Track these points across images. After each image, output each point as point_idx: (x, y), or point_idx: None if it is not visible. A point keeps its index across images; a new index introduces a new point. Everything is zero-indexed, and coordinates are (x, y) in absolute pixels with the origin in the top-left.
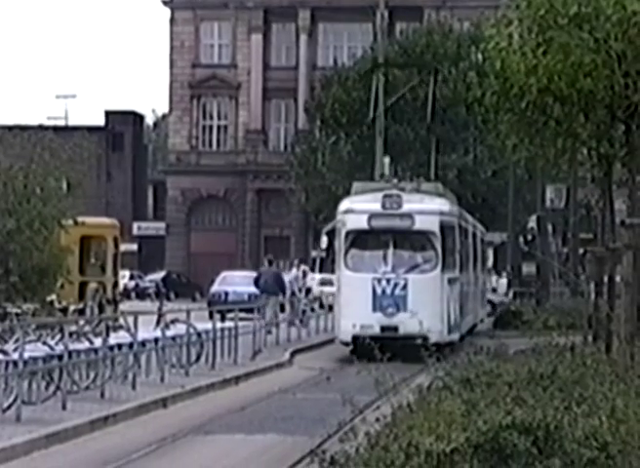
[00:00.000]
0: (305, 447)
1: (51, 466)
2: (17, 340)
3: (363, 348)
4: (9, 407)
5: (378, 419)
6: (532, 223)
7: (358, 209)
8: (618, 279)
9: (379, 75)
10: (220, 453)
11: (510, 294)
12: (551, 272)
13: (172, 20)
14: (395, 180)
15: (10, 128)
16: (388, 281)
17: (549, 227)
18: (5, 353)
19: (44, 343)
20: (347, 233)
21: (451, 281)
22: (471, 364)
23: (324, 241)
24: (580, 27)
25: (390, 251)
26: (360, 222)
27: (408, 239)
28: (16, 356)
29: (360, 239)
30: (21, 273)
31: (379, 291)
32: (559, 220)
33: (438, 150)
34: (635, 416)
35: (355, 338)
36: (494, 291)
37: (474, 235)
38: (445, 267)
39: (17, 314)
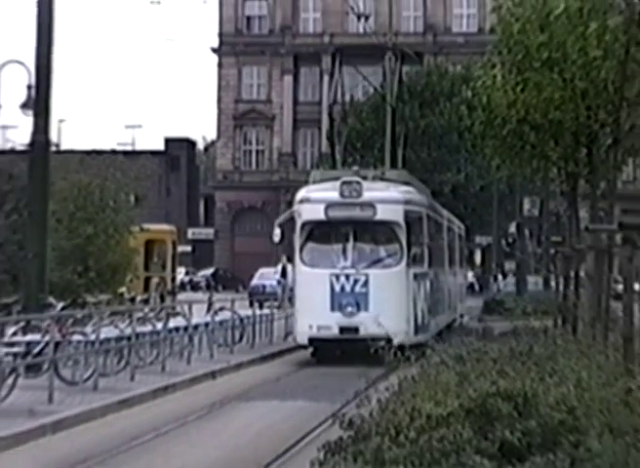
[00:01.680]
0: (328, 411)
1: (121, 426)
2: (94, 324)
3: (324, 351)
4: (88, 378)
5: (387, 389)
6: (512, 229)
7: (314, 198)
8: (582, 274)
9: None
10: (259, 416)
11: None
12: (528, 268)
13: (219, 65)
14: (356, 168)
15: (88, 152)
16: (348, 277)
17: (526, 232)
18: (85, 335)
19: (116, 327)
20: (303, 225)
21: (418, 276)
22: (463, 343)
23: (277, 234)
24: (551, 69)
25: (350, 244)
26: (316, 213)
27: (369, 230)
28: (93, 337)
29: (317, 231)
30: (98, 270)
31: (337, 288)
32: (534, 226)
33: (407, 136)
34: (596, 385)
35: (312, 341)
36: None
37: (450, 229)
38: (411, 261)
39: (94, 303)
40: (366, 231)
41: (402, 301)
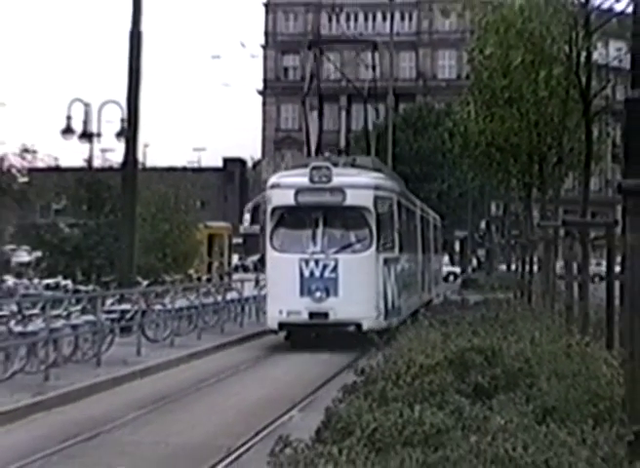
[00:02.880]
0: (345, 361)
1: (191, 373)
2: (171, 297)
3: (297, 335)
4: (166, 337)
5: (390, 345)
6: (483, 225)
7: (285, 183)
8: (535, 259)
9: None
10: (294, 365)
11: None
12: (495, 255)
13: (264, 103)
14: (327, 154)
15: (166, 169)
16: (317, 262)
17: (493, 227)
18: (164, 304)
19: (187, 298)
20: (273, 210)
21: (388, 261)
22: (446, 311)
23: (246, 219)
24: (511, 106)
25: (320, 229)
26: (286, 198)
27: (339, 216)
28: (170, 306)
29: (287, 216)
30: (174, 256)
31: (306, 273)
32: (499, 223)
33: (395, 132)
34: (546, 342)
35: (282, 325)
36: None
37: (423, 218)
38: (381, 246)
39: (170, 281)
40: (336, 216)
41: (371, 286)
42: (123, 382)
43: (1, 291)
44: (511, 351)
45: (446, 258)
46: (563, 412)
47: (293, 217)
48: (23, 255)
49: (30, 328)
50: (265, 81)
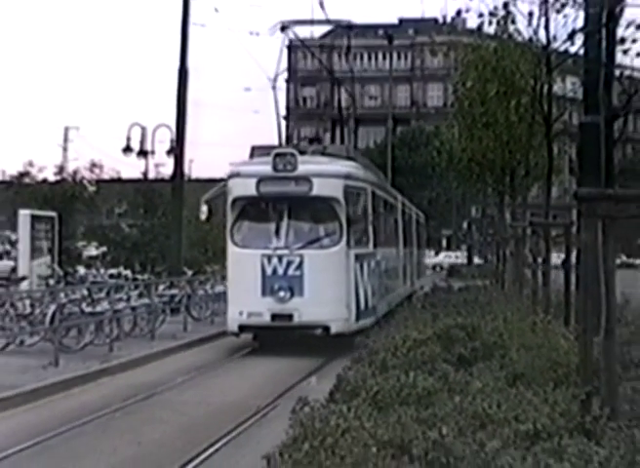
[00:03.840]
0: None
1: (229, 345)
2: (211, 283)
3: (266, 337)
4: (208, 316)
5: (388, 323)
6: (465, 225)
7: (245, 172)
8: (507, 253)
9: (388, 151)
10: (312, 340)
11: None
12: (474, 250)
13: (287, 127)
14: (296, 141)
15: (208, 180)
16: (280, 258)
17: (473, 227)
18: (206, 290)
19: (224, 285)
20: (234, 201)
21: (360, 257)
22: (435, 295)
23: (203, 211)
24: (487, 128)
25: (284, 222)
26: (247, 188)
27: (305, 207)
28: (210, 291)
29: (248, 208)
30: (214, 251)
31: (269, 270)
32: (478, 224)
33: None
34: (516, 320)
35: (242, 328)
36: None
37: (405, 213)
38: (352, 241)
39: (211, 271)
40: (301, 208)
41: (341, 285)
42: (172, 353)
43: (74, 279)
44: (488, 328)
45: (459, 253)
46: (529, 377)
47: (254, 209)
48: (92, 250)
49: (98, 308)
50: (288, 108)
